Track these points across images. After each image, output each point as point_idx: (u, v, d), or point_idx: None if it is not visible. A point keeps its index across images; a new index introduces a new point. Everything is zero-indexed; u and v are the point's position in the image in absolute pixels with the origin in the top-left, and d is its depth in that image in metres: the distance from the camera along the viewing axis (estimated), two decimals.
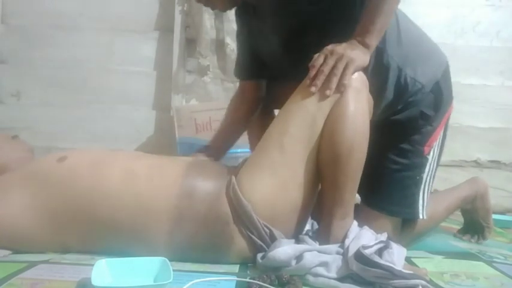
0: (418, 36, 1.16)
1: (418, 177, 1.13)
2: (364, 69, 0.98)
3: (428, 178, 1.15)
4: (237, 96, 1.36)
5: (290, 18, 1.07)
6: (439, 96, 1.12)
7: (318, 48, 0.97)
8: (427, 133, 1.13)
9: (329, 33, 1.03)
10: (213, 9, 1.16)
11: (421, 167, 1.13)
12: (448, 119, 1.19)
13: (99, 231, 0.94)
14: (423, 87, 1.10)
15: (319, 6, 1.02)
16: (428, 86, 1.11)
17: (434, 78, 1.12)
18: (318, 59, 0.95)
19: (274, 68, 1.25)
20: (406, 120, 1.12)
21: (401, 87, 1.10)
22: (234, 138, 1.36)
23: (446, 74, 1.16)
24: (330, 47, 0.95)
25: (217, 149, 1.29)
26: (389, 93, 1.10)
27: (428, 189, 1.16)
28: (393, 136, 1.13)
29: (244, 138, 1.39)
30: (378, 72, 1.07)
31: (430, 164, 1.15)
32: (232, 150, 1.39)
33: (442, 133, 1.17)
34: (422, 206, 1.15)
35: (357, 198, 1.09)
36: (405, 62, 1.09)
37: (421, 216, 1.14)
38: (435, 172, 1.18)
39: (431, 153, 1.14)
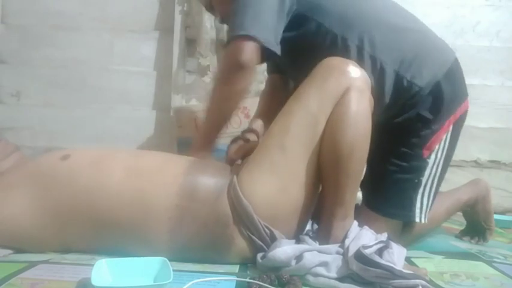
0: (418, 37, 1.15)
1: (416, 181, 1.12)
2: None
3: (430, 182, 1.13)
4: (269, 89, 1.40)
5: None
6: (439, 98, 1.10)
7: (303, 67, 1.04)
8: (426, 136, 1.11)
9: (300, 58, 1.13)
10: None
11: (420, 170, 1.12)
12: (456, 121, 1.14)
13: (100, 229, 0.94)
14: (421, 89, 1.09)
15: (291, 33, 1.10)
16: (427, 88, 1.09)
17: (434, 79, 1.10)
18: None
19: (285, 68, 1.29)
20: (404, 123, 1.11)
21: (400, 91, 1.09)
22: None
23: (450, 73, 1.12)
24: None
25: (257, 134, 1.28)
26: (388, 98, 1.10)
27: (429, 193, 1.14)
28: (393, 139, 1.12)
29: None
30: (375, 77, 1.07)
31: (432, 168, 1.12)
32: None
33: (446, 136, 1.13)
34: (420, 210, 1.13)
35: (358, 198, 1.09)
36: (401, 65, 1.09)
37: (417, 220, 1.12)
38: (440, 175, 1.15)
39: (433, 156, 1.12)
